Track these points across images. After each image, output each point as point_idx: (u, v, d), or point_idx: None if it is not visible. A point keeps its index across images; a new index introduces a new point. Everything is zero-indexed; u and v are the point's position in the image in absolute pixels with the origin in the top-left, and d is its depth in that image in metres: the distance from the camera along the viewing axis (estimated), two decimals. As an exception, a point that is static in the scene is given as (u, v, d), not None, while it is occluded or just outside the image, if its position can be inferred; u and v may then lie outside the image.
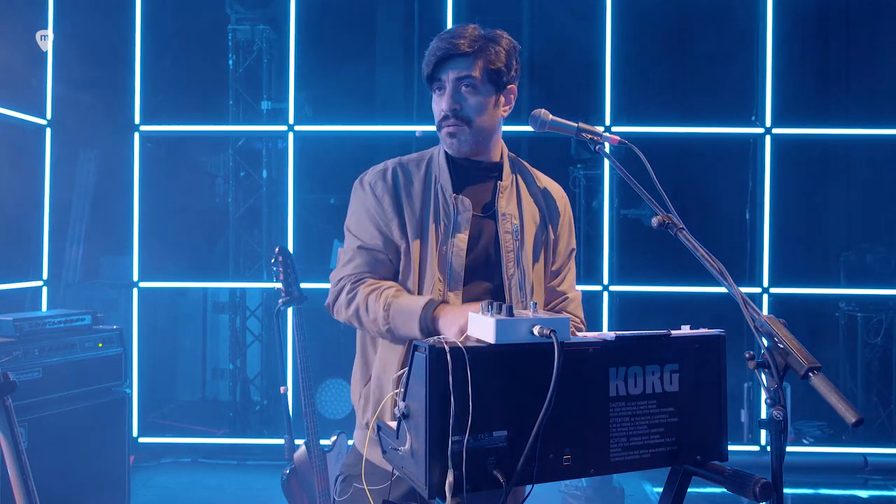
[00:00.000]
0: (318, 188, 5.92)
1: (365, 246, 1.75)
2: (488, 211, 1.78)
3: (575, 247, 1.92)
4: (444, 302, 1.64)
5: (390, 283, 1.72)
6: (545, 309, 1.84)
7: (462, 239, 1.72)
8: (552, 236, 1.84)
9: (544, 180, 1.90)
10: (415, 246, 1.73)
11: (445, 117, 1.72)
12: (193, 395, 6.16)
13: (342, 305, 1.74)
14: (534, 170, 1.91)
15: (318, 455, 3.10)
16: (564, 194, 1.91)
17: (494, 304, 1.26)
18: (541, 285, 1.82)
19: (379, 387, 1.74)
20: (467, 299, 1.71)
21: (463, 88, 1.71)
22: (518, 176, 1.85)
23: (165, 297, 5.90)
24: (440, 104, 1.73)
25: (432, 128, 1.83)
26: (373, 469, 1.67)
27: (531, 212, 1.81)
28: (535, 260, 1.80)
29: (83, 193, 5.53)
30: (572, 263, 1.91)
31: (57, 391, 3.13)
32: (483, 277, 1.74)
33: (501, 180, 1.80)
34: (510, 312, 1.24)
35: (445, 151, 1.81)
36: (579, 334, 1.37)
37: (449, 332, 1.49)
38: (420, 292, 1.71)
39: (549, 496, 3.87)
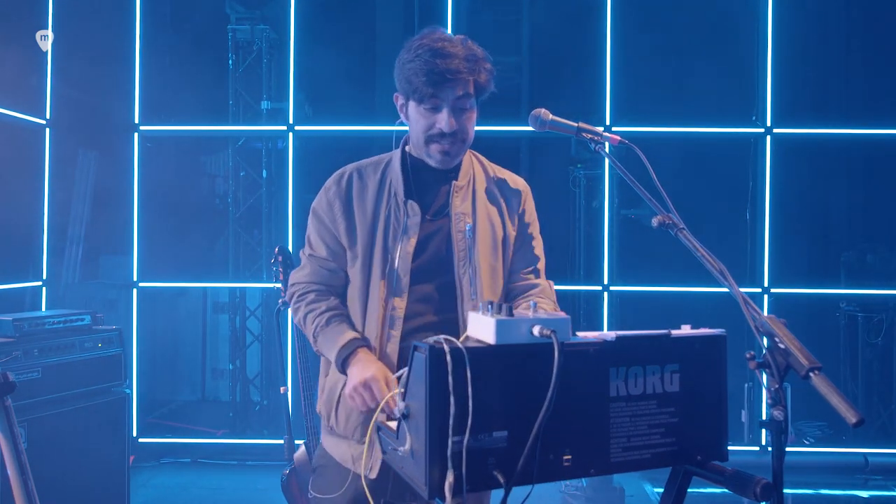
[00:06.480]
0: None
1: (314, 255, 1.85)
2: (443, 211, 1.80)
3: (539, 237, 1.94)
4: (363, 346, 1.73)
5: (327, 302, 1.80)
6: (517, 297, 1.88)
7: (409, 244, 1.76)
8: (511, 230, 1.86)
9: (503, 174, 1.92)
10: (363, 251, 1.79)
11: (442, 135, 1.73)
12: (193, 396, 6.16)
13: (291, 312, 1.91)
14: (493, 165, 1.93)
15: (317, 455, 3.09)
16: (525, 186, 1.94)
17: (494, 303, 1.26)
18: (497, 280, 1.83)
19: (331, 389, 1.81)
20: (414, 300, 1.76)
21: (461, 108, 1.73)
22: (475, 173, 1.87)
23: (165, 297, 5.90)
24: (431, 119, 1.73)
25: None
26: (338, 469, 1.78)
27: (486, 209, 1.84)
28: (491, 256, 1.82)
29: (83, 193, 5.53)
30: (540, 252, 1.93)
31: (56, 391, 3.13)
32: (432, 278, 1.78)
33: (457, 180, 1.82)
34: (510, 312, 1.23)
35: (405, 156, 1.84)
36: (580, 334, 1.37)
37: (350, 382, 1.65)
38: (365, 297, 1.78)
39: (549, 496, 3.87)
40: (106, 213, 5.43)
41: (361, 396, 1.62)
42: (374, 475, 1.70)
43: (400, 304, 1.75)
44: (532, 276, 1.90)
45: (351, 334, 1.74)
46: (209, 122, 5.55)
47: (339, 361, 1.72)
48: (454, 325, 1.75)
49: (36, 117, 4.71)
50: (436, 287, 1.77)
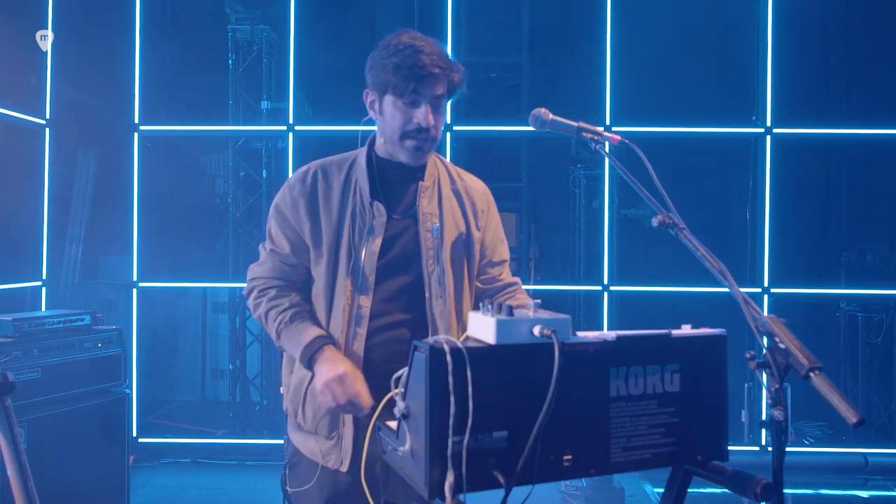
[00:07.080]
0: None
1: (276, 251, 1.84)
2: (409, 211, 1.82)
3: (504, 238, 1.99)
4: (329, 343, 1.74)
5: (289, 298, 1.81)
6: (496, 295, 1.93)
7: (375, 244, 1.78)
8: (476, 233, 1.89)
9: (466, 178, 1.95)
10: (328, 250, 1.79)
11: (419, 130, 1.74)
12: (193, 396, 6.16)
13: (251, 307, 1.88)
14: (455, 168, 1.96)
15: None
16: (487, 190, 1.97)
17: (494, 303, 1.26)
18: (463, 279, 1.86)
19: (298, 385, 1.82)
20: (380, 298, 1.78)
21: (437, 106, 1.76)
22: (439, 175, 1.89)
23: (165, 297, 5.90)
24: (409, 114, 1.74)
25: None
26: (309, 463, 1.80)
27: (452, 210, 1.86)
28: (456, 256, 1.84)
29: (82, 193, 5.53)
30: (507, 252, 1.97)
31: (56, 391, 3.13)
32: (399, 276, 1.79)
33: (423, 180, 1.84)
34: (510, 312, 1.23)
35: (371, 155, 1.85)
36: (580, 334, 1.37)
37: (321, 378, 1.67)
38: (331, 296, 1.78)
39: (549, 496, 3.87)
40: (106, 213, 5.44)
41: (333, 392, 1.65)
42: (345, 468, 1.73)
43: (366, 302, 1.76)
44: (505, 275, 1.95)
45: (316, 331, 1.75)
46: (209, 122, 5.55)
47: (304, 359, 1.73)
48: (421, 324, 1.77)
49: (36, 117, 4.71)
50: (402, 285, 1.79)
